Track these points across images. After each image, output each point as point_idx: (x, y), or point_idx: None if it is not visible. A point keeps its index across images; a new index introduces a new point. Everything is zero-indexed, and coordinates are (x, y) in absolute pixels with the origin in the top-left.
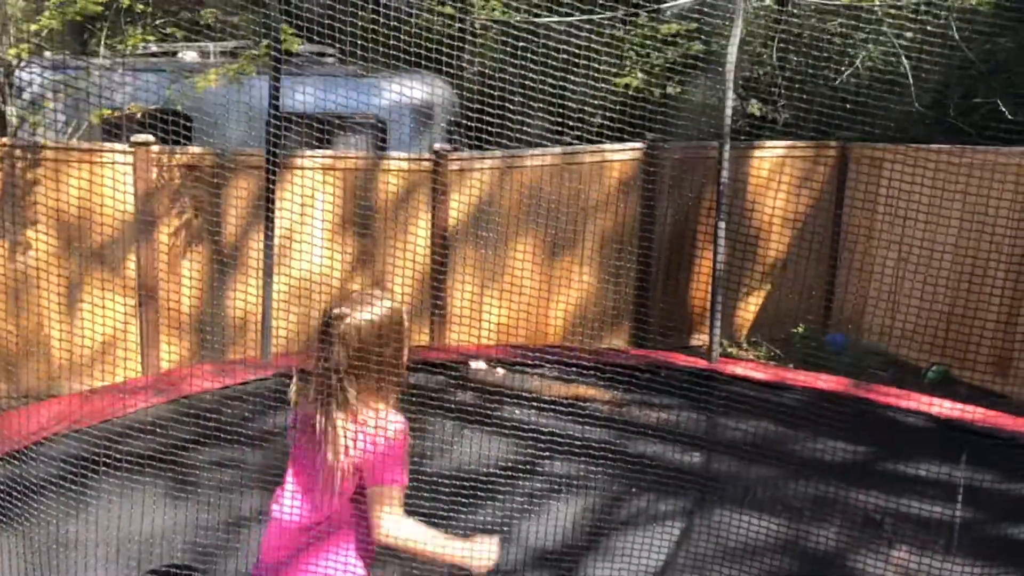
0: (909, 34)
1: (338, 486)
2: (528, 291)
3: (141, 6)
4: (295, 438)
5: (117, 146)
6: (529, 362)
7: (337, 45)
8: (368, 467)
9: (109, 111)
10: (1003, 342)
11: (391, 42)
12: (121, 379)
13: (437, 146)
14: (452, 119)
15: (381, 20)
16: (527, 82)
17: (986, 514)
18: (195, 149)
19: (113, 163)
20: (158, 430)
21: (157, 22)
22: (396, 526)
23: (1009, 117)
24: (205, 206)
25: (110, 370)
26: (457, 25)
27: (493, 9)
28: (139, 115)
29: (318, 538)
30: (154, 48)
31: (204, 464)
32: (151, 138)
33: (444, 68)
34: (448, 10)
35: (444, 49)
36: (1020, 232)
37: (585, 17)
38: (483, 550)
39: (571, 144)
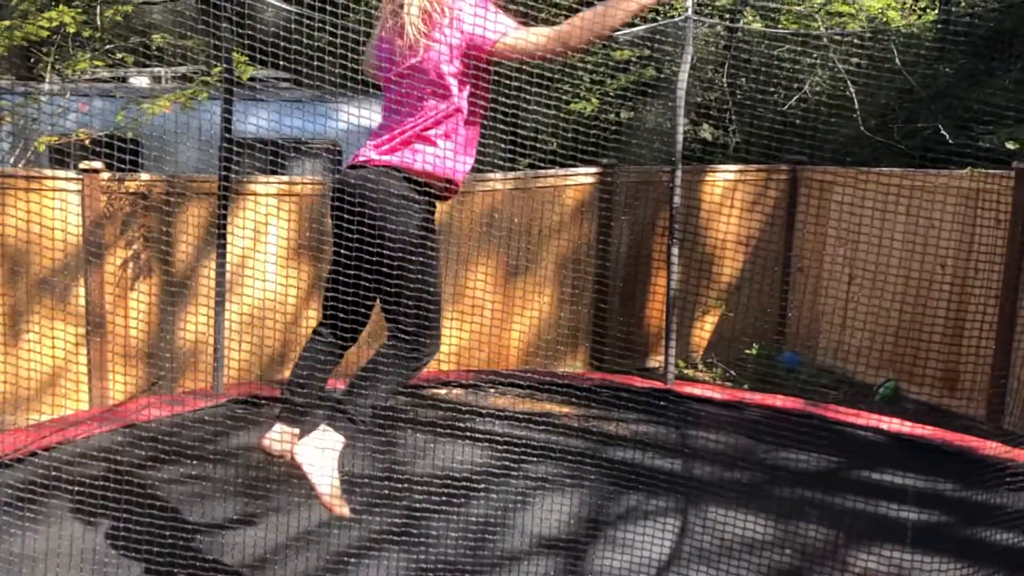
0: (855, 60)
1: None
2: (485, 315)
3: (89, 31)
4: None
5: (64, 173)
6: (485, 383)
7: (291, 68)
8: (470, 37)
9: (56, 137)
10: (949, 359)
11: (346, 66)
12: (68, 411)
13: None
14: None
15: (336, 45)
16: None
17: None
18: (145, 176)
19: (60, 190)
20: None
21: (107, 47)
22: (552, 30)
23: (950, 141)
24: (156, 233)
25: (56, 402)
26: None
27: None
28: (87, 141)
29: (418, 132)
30: (103, 73)
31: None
32: (100, 165)
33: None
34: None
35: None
36: (963, 252)
37: None
38: None
39: (527, 169)
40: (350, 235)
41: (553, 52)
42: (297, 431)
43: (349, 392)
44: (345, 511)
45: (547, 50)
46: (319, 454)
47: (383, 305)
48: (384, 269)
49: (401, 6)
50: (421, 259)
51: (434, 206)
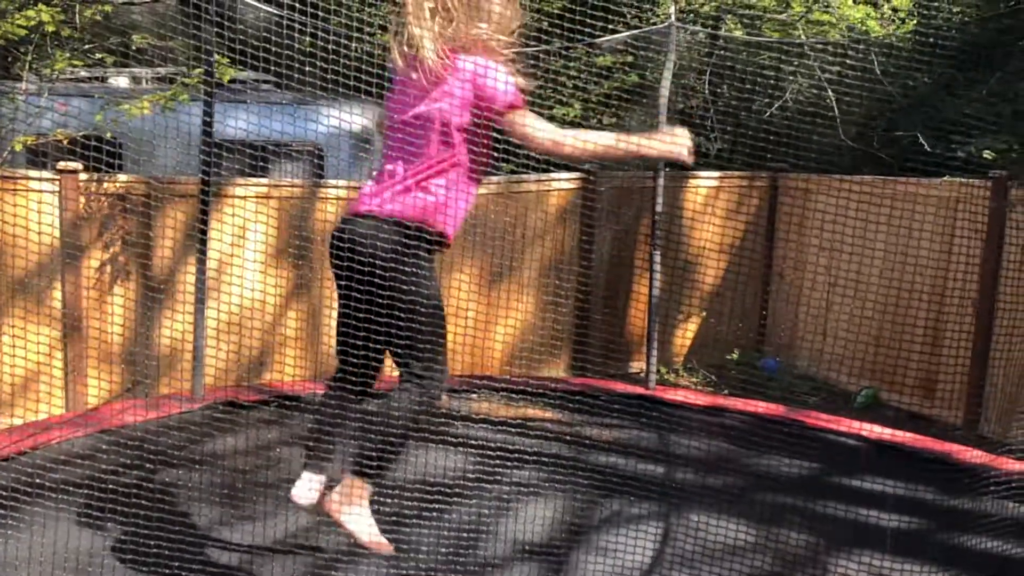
0: (835, 68)
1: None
2: (467, 319)
3: (68, 30)
4: (392, 112)
5: (41, 173)
6: (468, 388)
7: (274, 71)
8: (479, 87)
9: (33, 137)
10: (927, 367)
11: (329, 69)
12: (43, 415)
13: (376, 174)
14: None
15: (319, 48)
16: None
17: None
18: (124, 177)
19: (37, 191)
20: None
21: (86, 47)
22: (557, 130)
23: (928, 149)
24: (135, 236)
25: (31, 406)
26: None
27: None
28: (65, 142)
29: (421, 181)
30: (83, 73)
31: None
32: (78, 166)
33: (383, 97)
34: (388, 39)
35: (384, 77)
36: (941, 259)
37: (523, 50)
38: (669, 139)
39: (510, 173)
40: (350, 284)
41: (548, 151)
42: (323, 478)
43: (370, 438)
44: (389, 549)
45: (544, 147)
46: (351, 504)
47: (390, 351)
48: (383, 317)
49: (411, 44)
50: (416, 305)
51: (432, 253)
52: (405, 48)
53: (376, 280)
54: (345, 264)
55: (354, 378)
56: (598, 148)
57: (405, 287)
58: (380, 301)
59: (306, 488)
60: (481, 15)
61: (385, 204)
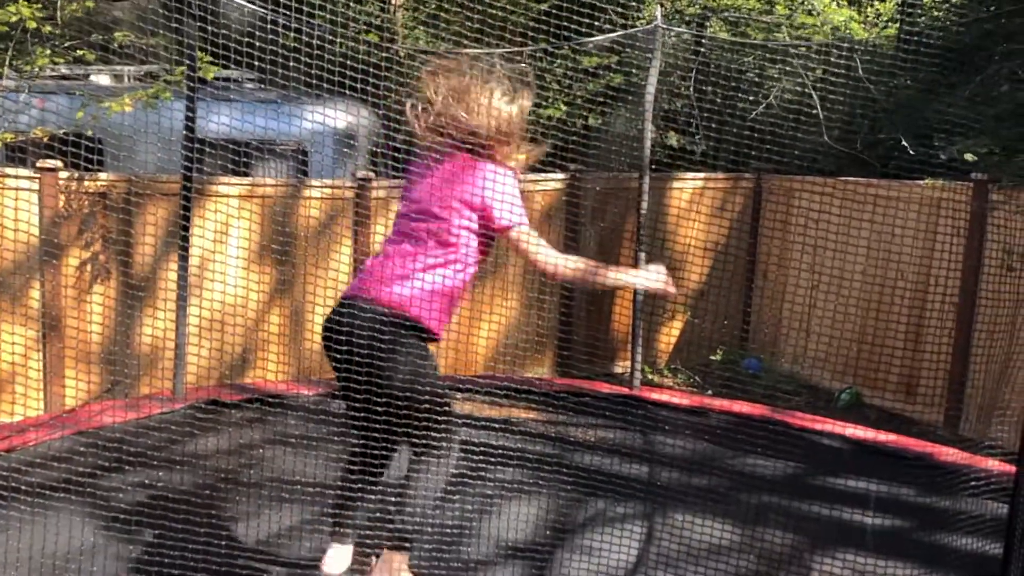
0: (819, 70)
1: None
2: (451, 319)
3: (49, 27)
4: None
5: (21, 171)
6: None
7: (257, 68)
8: (487, 205)
9: (12, 135)
10: (909, 367)
11: (313, 68)
12: (20, 416)
13: (360, 173)
14: (376, 146)
15: (303, 46)
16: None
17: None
18: (106, 175)
19: (16, 189)
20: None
21: (68, 44)
22: (557, 256)
23: (910, 152)
24: (116, 234)
25: (8, 408)
26: (383, 54)
27: (417, 38)
28: (45, 139)
29: (423, 264)
30: (64, 70)
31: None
32: (58, 163)
33: (368, 95)
34: (373, 37)
35: (368, 75)
36: (923, 260)
37: (509, 49)
38: (653, 276)
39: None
40: (345, 366)
41: (542, 271)
42: (351, 548)
43: (399, 511)
44: None
45: (539, 268)
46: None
47: (400, 429)
48: (382, 399)
49: (431, 103)
50: (417, 386)
51: (424, 341)
52: (424, 115)
53: (367, 363)
54: (341, 348)
55: (371, 454)
56: (588, 278)
57: (393, 373)
58: (378, 382)
59: (335, 558)
60: (492, 114)
61: (382, 291)
